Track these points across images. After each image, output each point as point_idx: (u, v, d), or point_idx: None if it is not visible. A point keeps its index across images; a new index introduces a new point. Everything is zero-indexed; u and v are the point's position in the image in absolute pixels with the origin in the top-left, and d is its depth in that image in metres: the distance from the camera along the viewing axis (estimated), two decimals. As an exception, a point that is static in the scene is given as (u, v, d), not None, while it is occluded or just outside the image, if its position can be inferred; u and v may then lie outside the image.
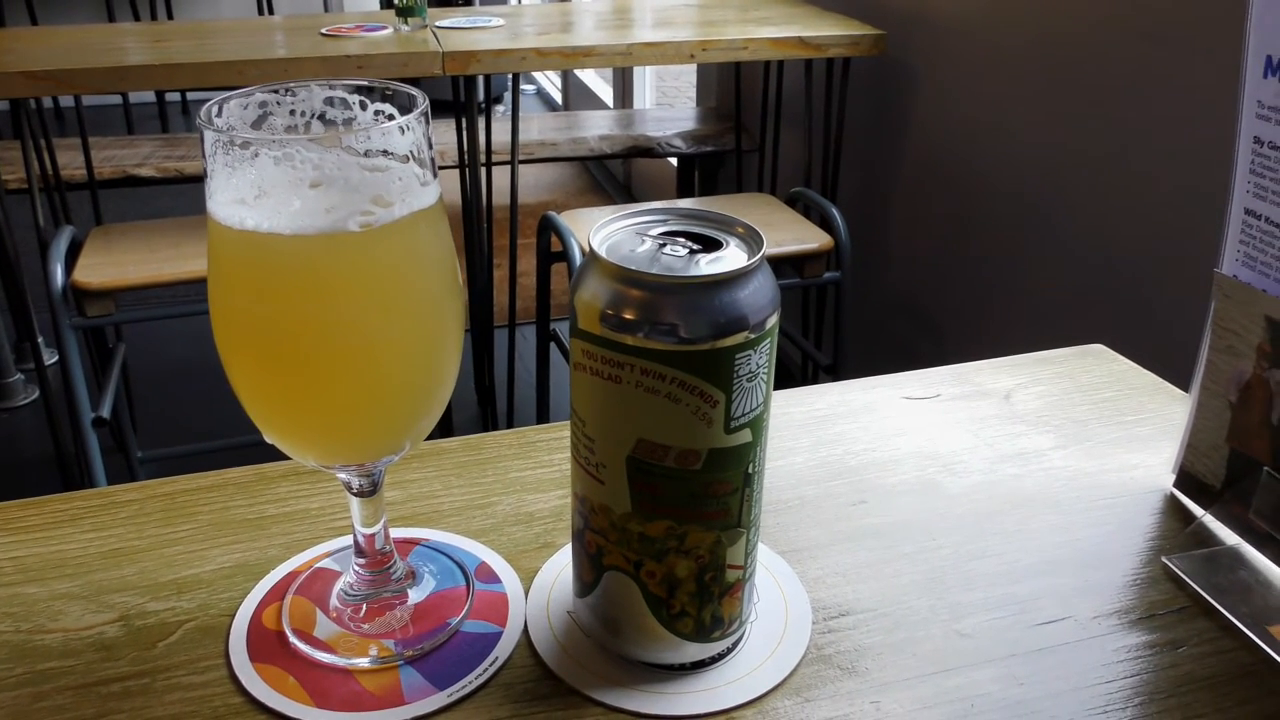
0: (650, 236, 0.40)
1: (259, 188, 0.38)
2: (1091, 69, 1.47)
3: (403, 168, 0.39)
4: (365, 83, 0.42)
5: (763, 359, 0.39)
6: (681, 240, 0.40)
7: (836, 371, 1.88)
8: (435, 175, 0.41)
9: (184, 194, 2.27)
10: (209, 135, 0.38)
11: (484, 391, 2.21)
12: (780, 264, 1.76)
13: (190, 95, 4.27)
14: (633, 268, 0.38)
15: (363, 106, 0.42)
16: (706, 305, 0.37)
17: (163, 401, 2.30)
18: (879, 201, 2.06)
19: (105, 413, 1.67)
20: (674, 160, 2.91)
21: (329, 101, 0.42)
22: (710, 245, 0.40)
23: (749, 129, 2.51)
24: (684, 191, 2.88)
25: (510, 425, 2.19)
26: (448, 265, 0.43)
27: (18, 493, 0.56)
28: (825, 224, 1.77)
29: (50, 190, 2.00)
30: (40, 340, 1.92)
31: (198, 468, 0.58)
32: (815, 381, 2.14)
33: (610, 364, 0.38)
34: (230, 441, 1.70)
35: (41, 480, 2.08)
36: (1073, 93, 1.51)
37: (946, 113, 1.82)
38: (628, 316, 0.37)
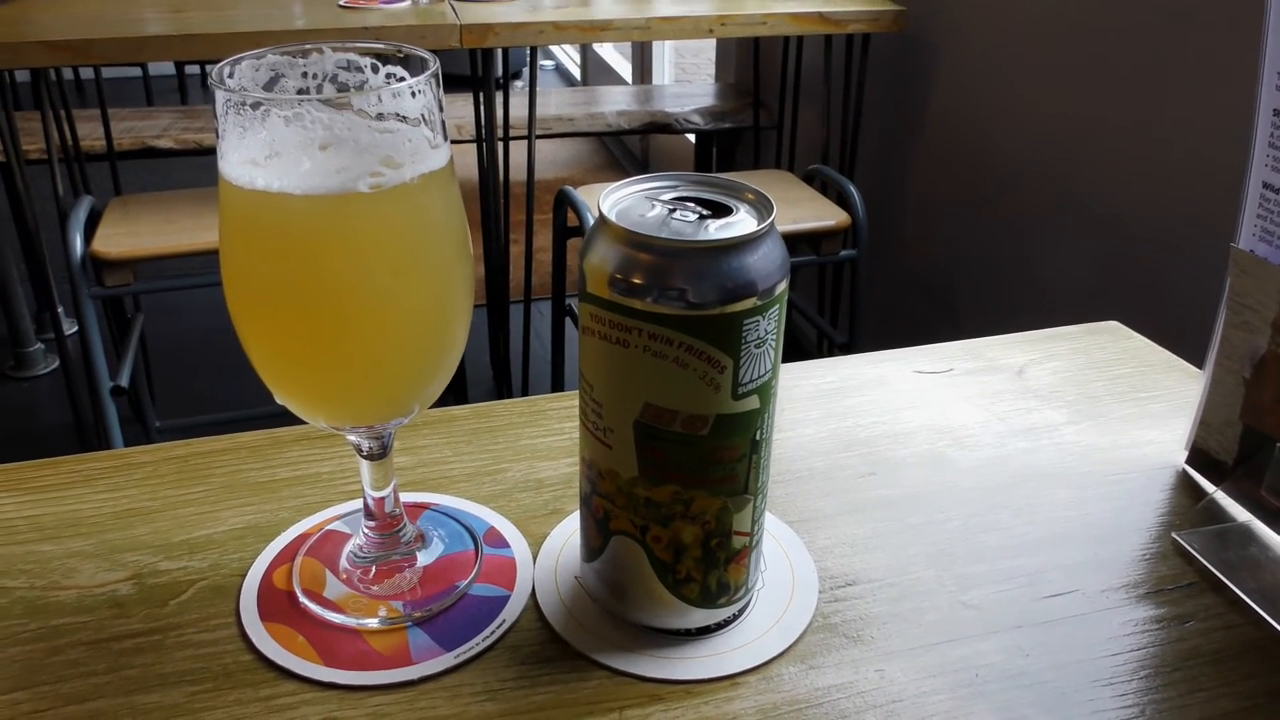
0: (660, 202, 0.40)
1: (270, 148, 0.38)
2: (1110, 47, 1.45)
3: (413, 130, 0.39)
4: (378, 45, 0.42)
5: (771, 325, 0.39)
6: (691, 206, 0.40)
7: (852, 349, 1.88)
8: (446, 138, 0.41)
9: (202, 166, 2.26)
10: (221, 95, 0.38)
11: (499, 366, 2.21)
12: (797, 241, 1.75)
13: (209, 67, 4.28)
14: (642, 232, 0.38)
15: (375, 70, 0.42)
16: (715, 270, 0.37)
17: (180, 371, 2.32)
18: (897, 179, 2.04)
19: (124, 382, 1.68)
20: (692, 136, 2.90)
21: (341, 65, 0.42)
22: (720, 211, 0.40)
23: (767, 105, 2.50)
24: (702, 168, 2.86)
25: (525, 400, 2.19)
26: (457, 228, 0.43)
27: (37, 459, 0.56)
28: (842, 201, 1.76)
29: (70, 161, 2.01)
30: (60, 310, 1.93)
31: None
32: (830, 360, 2.13)
33: (618, 328, 0.38)
34: (248, 412, 1.71)
35: (61, 449, 2.07)
36: (1091, 70, 1.50)
37: (965, 90, 1.81)
38: (636, 281, 0.37)
